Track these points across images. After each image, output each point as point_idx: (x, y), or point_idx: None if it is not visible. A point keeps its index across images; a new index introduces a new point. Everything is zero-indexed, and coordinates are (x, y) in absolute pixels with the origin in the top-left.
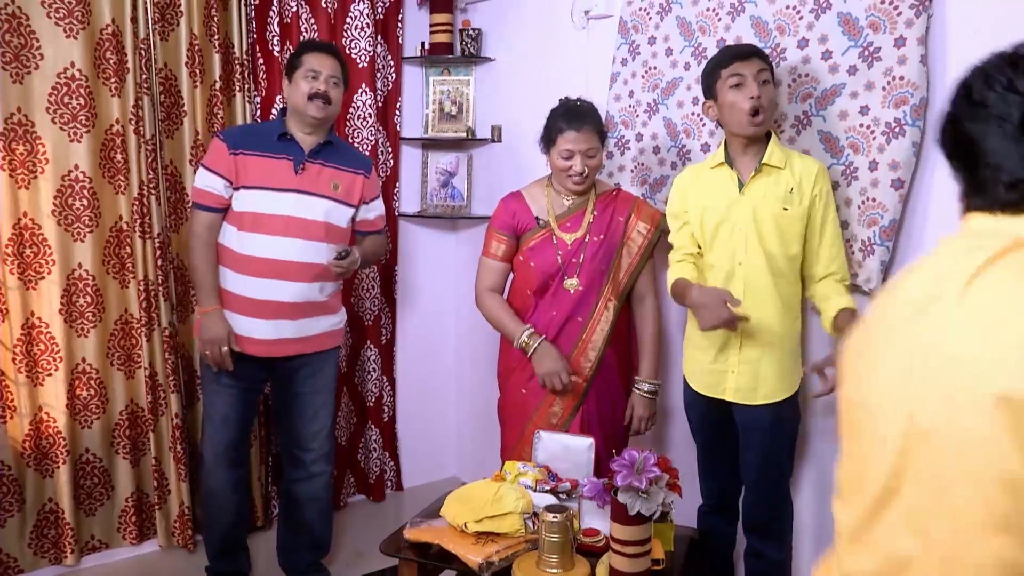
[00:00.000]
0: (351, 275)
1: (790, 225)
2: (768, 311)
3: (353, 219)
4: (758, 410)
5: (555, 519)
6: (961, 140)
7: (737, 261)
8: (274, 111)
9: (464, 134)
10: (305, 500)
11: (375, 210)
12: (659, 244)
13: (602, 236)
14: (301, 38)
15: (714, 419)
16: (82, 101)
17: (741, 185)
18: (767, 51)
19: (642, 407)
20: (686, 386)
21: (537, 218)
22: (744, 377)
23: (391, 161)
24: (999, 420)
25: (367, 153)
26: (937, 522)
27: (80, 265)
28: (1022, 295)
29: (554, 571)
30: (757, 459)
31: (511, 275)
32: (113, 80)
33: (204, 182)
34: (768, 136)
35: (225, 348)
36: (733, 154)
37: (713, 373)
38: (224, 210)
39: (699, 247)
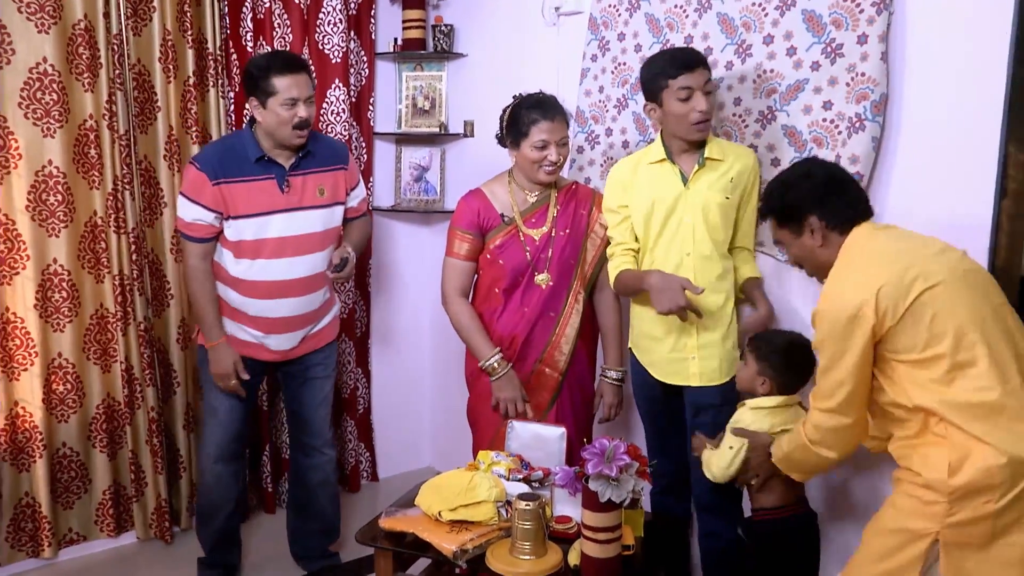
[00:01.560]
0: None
1: (731, 212)
2: (719, 296)
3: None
4: (709, 391)
5: (528, 507)
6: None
7: (685, 252)
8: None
9: (437, 129)
10: (316, 486)
11: (358, 196)
12: None
13: (568, 230)
14: (274, 34)
15: (664, 402)
16: (55, 96)
17: (684, 179)
18: (732, 47)
19: (611, 394)
20: (635, 371)
21: (502, 215)
22: (707, 361)
23: (365, 156)
24: None
25: None
26: None
27: (55, 260)
28: None
29: (527, 558)
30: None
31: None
32: (86, 75)
33: (193, 215)
34: None
35: (234, 382)
36: (673, 150)
37: (673, 361)
38: (216, 237)
39: (636, 240)
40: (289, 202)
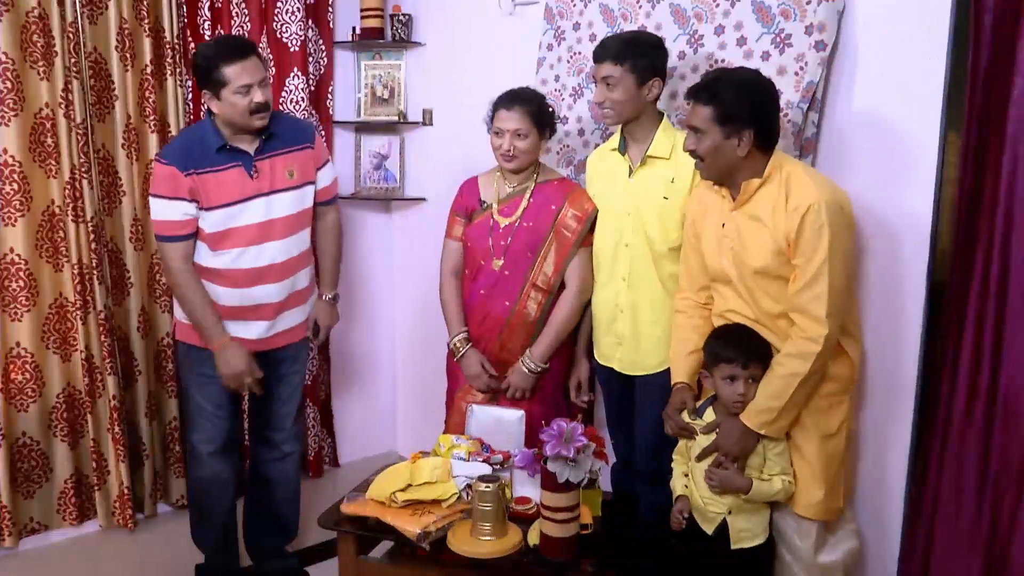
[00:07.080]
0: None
1: (671, 214)
2: (649, 291)
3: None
4: (653, 377)
5: (487, 488)
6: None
7: (624, 243)
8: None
9: (396, 117)
10: (277, 482)
11: (327, 175)
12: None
13: (531, 223)
14: (232, 23)
15: (616, 383)
16: (9, 84)
17: (631, 171)
18: (685, 37)
19: (519, 378)
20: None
21: (482, 200)
22: (626, 350)
23: (324, 144)
24: None
25: None
26: None
27: (12, 249)
28: None
29: (487, 539)
30: (650, 422)
31: None
32: (41, 64)
33: (172, 212)
34: (661, 119)
35: (250, 379)
36: (628, 138)
37: (607, 345)
38: (196, 233)
39: None
40: (260, 187)
